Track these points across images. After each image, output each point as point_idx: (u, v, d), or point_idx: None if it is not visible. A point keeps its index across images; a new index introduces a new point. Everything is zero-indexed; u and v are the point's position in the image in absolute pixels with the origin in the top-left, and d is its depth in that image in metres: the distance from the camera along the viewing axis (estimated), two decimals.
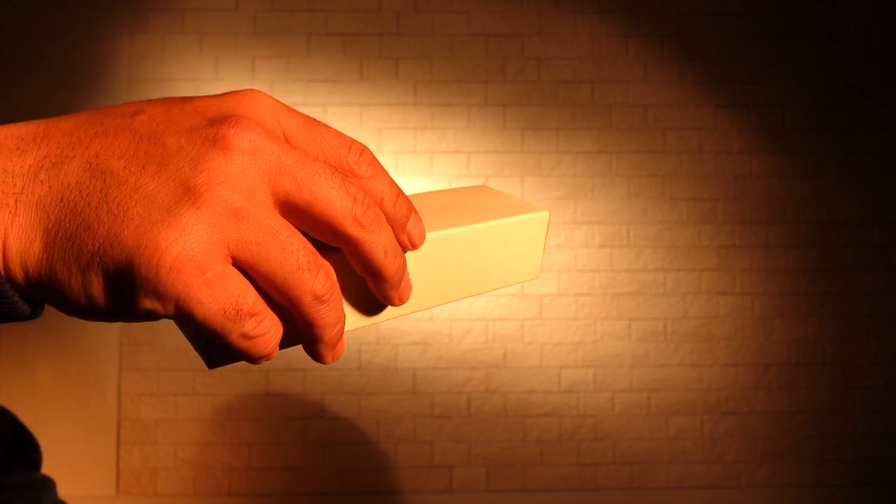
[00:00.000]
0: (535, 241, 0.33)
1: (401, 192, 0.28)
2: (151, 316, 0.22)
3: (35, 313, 0.25)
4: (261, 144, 0.23)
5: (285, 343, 0.27)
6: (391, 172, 2.08)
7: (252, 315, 0.23)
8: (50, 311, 1.99)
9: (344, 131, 2.08)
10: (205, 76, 2.06)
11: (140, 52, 2.06)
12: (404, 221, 0.28)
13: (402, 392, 2.01)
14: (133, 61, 2.06)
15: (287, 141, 0.26)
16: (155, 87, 2.06)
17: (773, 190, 2.12)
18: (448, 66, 2.10)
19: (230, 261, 0.23)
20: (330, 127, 0.27)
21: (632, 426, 2.04)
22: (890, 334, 2.10)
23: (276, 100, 0.26)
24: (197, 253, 0.21)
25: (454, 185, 2.09)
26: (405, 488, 1.99)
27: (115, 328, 2.01)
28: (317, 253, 0.24)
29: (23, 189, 0.22)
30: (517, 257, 0.33)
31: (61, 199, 0.22)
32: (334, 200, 0.24)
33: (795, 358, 2.08)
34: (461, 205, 0.34)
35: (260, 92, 0.26)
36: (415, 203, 0.34)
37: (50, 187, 0.22)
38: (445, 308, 2.04)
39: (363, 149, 0.27)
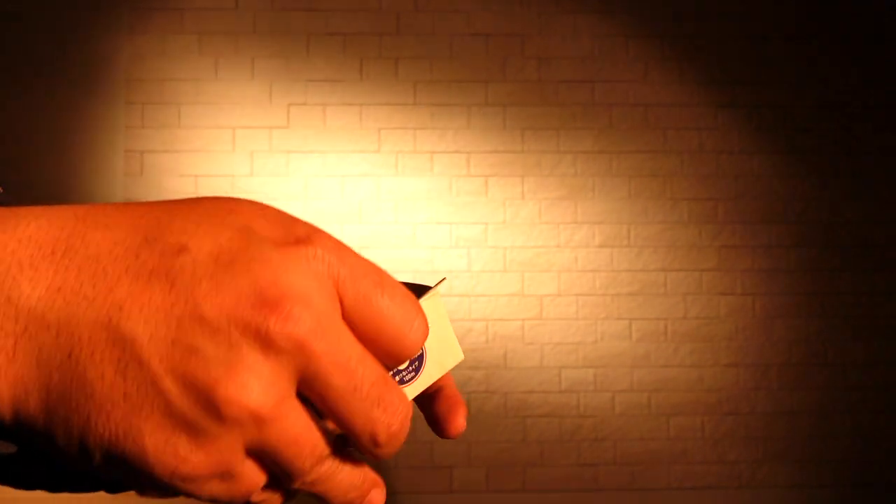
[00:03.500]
0: (439, 326, 0.31)
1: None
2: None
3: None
4: (306, 345, 0.19)
5: None
6: (391, 172, 2.08)
7: None
8: None
9: (344, 131, 2.07)
10: (204, 76, 2.06)
11: (140, 51, 2.06)
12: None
13: None
14: (133, 61, 2.06)
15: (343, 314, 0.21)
16: (155, 86, 2.05)
17: (773, 190, 2.12)
18: (448, 66, 2.10)
19: None
20: (396, 295, 0.22)
21: (632, 426, 2.04)
22: (890, 334, 2.10)
23: (338, 253, 0.21)
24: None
25: (454, 185, 2.08)
26: (405, 489, 1.99)
27: None
28: None
29: (25, 329, 0.19)
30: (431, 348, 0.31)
31: (69, 356, 0.19)
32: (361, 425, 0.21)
33: (795, 358, 2.08)
34: None
35: (320, 241, 0.21)
36: None
37: (58, 336, 0.19)
38: (445, 308, 2.04)
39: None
